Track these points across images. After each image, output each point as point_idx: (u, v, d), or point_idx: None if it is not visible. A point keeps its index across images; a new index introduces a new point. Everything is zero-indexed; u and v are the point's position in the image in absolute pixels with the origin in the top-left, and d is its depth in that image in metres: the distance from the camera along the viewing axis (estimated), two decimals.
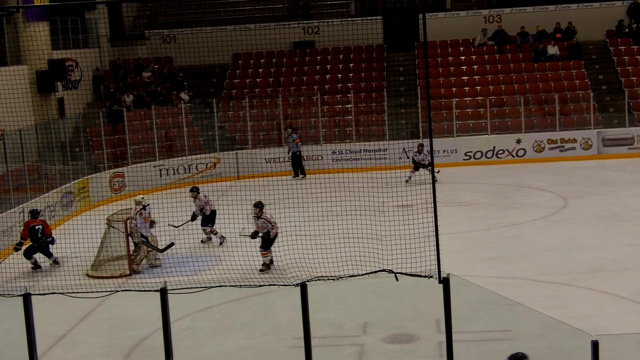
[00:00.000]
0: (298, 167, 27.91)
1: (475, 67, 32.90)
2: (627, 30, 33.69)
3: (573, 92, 31.09)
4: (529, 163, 28.43)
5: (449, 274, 9.40)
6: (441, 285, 9.40)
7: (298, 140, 27.93)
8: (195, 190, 19.28)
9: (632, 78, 31.69)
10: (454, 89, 31.84)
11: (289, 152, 28.17)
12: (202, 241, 18.97)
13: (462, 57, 33.43)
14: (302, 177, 27.38)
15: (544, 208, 21.44)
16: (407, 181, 24.35)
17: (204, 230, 19.10)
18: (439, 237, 9.69)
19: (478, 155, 29.13)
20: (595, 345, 7.99)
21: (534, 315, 12.83)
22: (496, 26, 33.83)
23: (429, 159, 23.54)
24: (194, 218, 18.97)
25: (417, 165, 24.76)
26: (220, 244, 18.43)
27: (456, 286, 9.96)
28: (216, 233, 18.76)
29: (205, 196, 19.21)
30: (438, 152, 27.93)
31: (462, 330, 11.34)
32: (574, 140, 29.07)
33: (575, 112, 30.26)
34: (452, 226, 18.61)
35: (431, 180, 9.84)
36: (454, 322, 9.46)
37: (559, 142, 29.13)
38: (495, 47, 33.56)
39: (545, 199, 22.64)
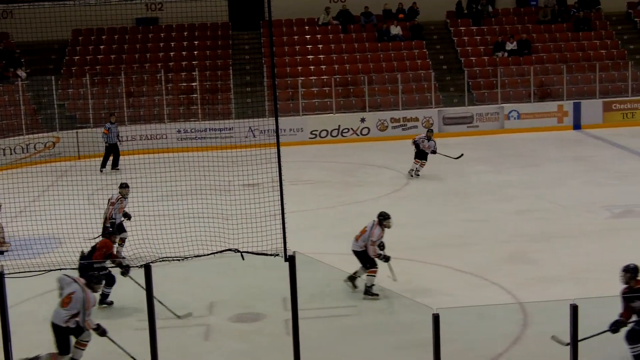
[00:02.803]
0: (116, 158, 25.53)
1: (320, 46, 33.08)
2: (466, 11, 34.59)
3: (415, 71, 31.72)
4: (373, 141, 28.87)
5: (294, 252, 9.38)
6: (287, 263, 9.38)
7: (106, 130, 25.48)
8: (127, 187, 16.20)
9: (472, 58, 32.59)
10: (299, 68, 31.93)
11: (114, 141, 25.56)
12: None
13: (308, 36, 33.57)
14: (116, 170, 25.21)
15: (388, 185, 21.80)
16: (414, 175, 22.59)
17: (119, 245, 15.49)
18: (285, 216, 9.65)
19: (324, 134, 29.35)
20: (436, 319, 8.14)
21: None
22: (340, 5, 34.08)
23: (436, 147, 22.52)
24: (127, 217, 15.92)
25: (421, 154, 22.54)
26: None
27: (302, 264, 9.95)
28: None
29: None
30: (284, 130, 27.93)
31: (308, 308, 11.36)
32: (416, 119, 29.68)
33: (417, 92, 30.90)
34: (298, 204, 18.65)
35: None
36: (300, 299, 9.46)
37: (401, 120, 29.68)
38: (340, 27, 33.83)
39: (389, 177, 23.03)
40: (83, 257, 12.58)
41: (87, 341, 10.51)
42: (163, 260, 10.69)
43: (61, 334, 10.32)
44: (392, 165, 24.50)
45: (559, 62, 32.02)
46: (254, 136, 25.71)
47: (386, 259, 13.21)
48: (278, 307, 12.37)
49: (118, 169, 24.88)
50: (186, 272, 14.20)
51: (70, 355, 10.46)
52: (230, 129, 27.64)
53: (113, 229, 14.62)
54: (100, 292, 12.30)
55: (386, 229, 13.44)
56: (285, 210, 9.66)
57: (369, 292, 12.98)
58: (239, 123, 26.77)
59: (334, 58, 32.60)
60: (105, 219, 15.46)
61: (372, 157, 26.06)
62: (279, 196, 9.64)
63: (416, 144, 22.55)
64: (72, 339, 10.44)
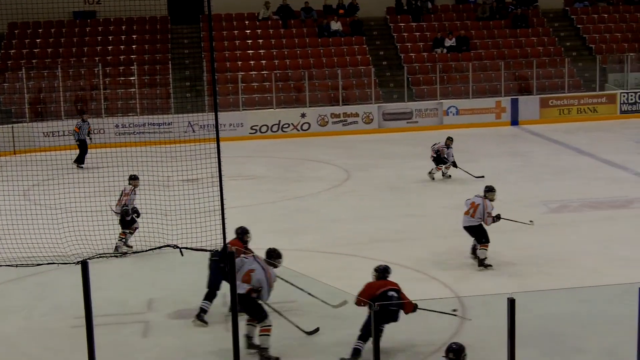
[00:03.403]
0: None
1: (261, 41, 33.00)
2: (406, 7, 34.78)
3: (355, 67, 31.82)
4: (314, 137, 28.89)
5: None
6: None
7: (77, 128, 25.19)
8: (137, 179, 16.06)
9: (411, 54, 32.79)
10: (239, 63, 31.82)
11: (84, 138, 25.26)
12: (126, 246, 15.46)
13: (248, 31, 33.46)
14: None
15: (328, 181, 21.83)
16: (445, 176, 21.70)
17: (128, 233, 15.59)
18: (225, 211, 9.59)
19: (264, 129, 29.29)
20: (376, 314, 8.16)
21: (320, 286, 12.99)
22: (280, 0, 34.02)
23: (453, 157, 21.50)
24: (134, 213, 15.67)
25: (440, 160, 21.50)
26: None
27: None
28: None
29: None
30: (224, 126, 27.83)
31: None
32: (356, 115, 29.77)
33: (357, 87, 30.99)
34: (238, 200, 18.56)
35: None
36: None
37: (341, 116, 29.75)
38: (280, 22, 33.77)
39: (329, 172, 23.06)
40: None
41: (270, 326, 10.65)
42: (101, 257, 10.56)
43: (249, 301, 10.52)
44: (333, 161, 24.54)
45: (497, 59, 32.38)
46: (194, 131, 25.49)
47: (498, 218, 14.44)
48: (217, 303, 12.30)
49: (82, 167, 24.44)
50: (124, 268, 14.06)
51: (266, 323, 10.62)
52: (169, 124, 27.37)
53: (131, 215, 15.23)
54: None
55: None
56: (225, 206, 9.60)
57: (482, 264, 13.97)
58: (178, 118, 26.52)
59: (274, 53, 32.55)
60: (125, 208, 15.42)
61: (313, 153, 26.08)
62: (219, 192, 9.57)
63: (437, 153, 21.45)
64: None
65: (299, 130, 29.47)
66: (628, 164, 22.20)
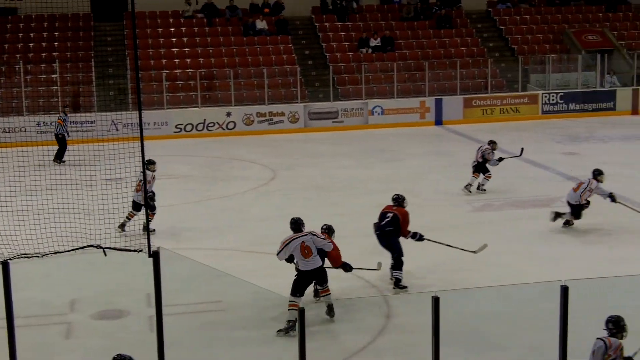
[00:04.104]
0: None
1: (185, 39, 32.78)
2: (331, 7, 34.89)
3: (281, 66, 31.81)
4: (239, 136, 28.79)
5: (159, 248, 9.23)
6: (151, 259, 9.22)
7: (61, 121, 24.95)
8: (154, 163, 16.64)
9: (337, 54, 32.90)
10: (164, 61, 31.55)
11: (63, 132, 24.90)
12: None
13: (172, 29, 33.21)
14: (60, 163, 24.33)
15: (254, 180, 21.77)
16: (480, 190, 19.66)
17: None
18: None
19: (189, 127, 29.08)
20: (302, 313, 8.15)
21: (245, 286, 12.95)
22: None
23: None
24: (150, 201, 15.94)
25: (481, 167, 19.61)
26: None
27: (167, 259, 9.80)
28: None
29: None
30: (148, 124, 27.56)
31: (172, 304, 11.22)
32: (282, 114, 29.75)
33: (283, 87, 30.97)
34: (164, 199, 18.36)
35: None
36: (164, 295, 9.31)
37: (267, 115, 29.69)
38: (205, 20, 33.58)
39: (255, 171, 23.00)
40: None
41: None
42: (22, 257, 10.34)
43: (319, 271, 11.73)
44: (259, 160, 24.49)
45: (421, 59, 32.69)
46: (117, 130, 25.16)
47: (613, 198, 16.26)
48: (142, 304, 12.18)
49: (63, 162, 23.73)
50: (46, 269, 13.79)
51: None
52: (92, 122, 26.99)
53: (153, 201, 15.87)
54: None
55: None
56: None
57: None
58: (102, 116, 26.18)
59: (199, 51, 32.35)
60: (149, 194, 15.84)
61: (239, 152, 25.98)
62: (143, 191, 9.46)
63: (484, 157, 19.60)
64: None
65: (224, 129, 29.32)
66: (549, 163, 22.60)
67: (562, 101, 31.78)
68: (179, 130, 29.00)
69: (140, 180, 15.60)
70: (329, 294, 11.71)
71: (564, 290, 7.95)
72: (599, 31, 35.39)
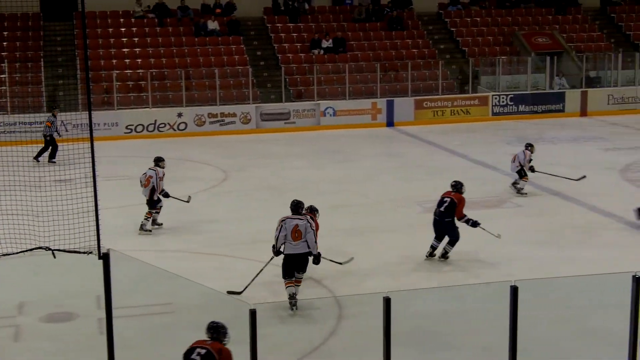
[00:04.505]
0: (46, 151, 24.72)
1: (136, 39, 32.54)
2: (283, 8, 34.87)
3: (232, 67, 31.71)
4: (191, 137, 28.64)
5: (109, 250, 9.15)
6: (101, 261, 9.14)
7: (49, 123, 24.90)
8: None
9: (289, 55, 32.89)
10: (114, 61, 31.29)
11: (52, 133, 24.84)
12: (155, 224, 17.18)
13: (123, 29, 32.95)
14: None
15: (206, 181, 21.68)
16: (524, 193, 19.44)
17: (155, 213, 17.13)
18: (99, 212, 9.40)
19: (139, 128, 28.86)
20: (253, 314, 8.12)
21: (196, 287, 12.89)
22: None
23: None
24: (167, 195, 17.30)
25: (523, 172, 19.39)
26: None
27: (117, 261, 9.72)
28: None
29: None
30: (98, 125, 27.30)
31: (123, 306, 11.11)
32: (234, 115, 29.66)
33: (235, 87, 30.88)
34: (113, 201, 18.21)
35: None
36: (114, 297, 9.24)
37: (219, 116, 29.58)
38: (156, 20, 33.37)
39: (207, 172, 22.91)
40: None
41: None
42: None
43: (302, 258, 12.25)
44: (210, 161, 24.39)
45: (373, 61, 32.79)
46: (66, 130, 24.87)
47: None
48: (92, 306, 12.06)
49: (54, 161, 23.86)
50: None
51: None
52: (41, 123, 26.66)
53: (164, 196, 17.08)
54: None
55: None
56: (99, 207, 9.40)
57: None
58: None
59: (150, 52, 32.13)
60: (156, 191, 16.92)
61: (190, 153, 25.84)
62: (93, 192, 9.37)
63: (521, 164, 19.43)
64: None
65: (175, 130, 29.15)
66: (499, 164, 22.79)
67: (512, 103, 32.09)
68: (129, 131, 28.78)
69: (150, 177, 16.96)
70: (300, 285, 12.21)
71: (514, 291, 8.03)
72: (548, 34, 35.80)
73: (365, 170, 22.57)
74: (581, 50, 34.97)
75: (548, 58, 33.23)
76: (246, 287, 12.71)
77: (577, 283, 12.52)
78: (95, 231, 9.28)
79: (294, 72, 32.21)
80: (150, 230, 16.92)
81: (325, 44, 33.18)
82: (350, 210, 18.34)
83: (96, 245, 9.24)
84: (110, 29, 32.83)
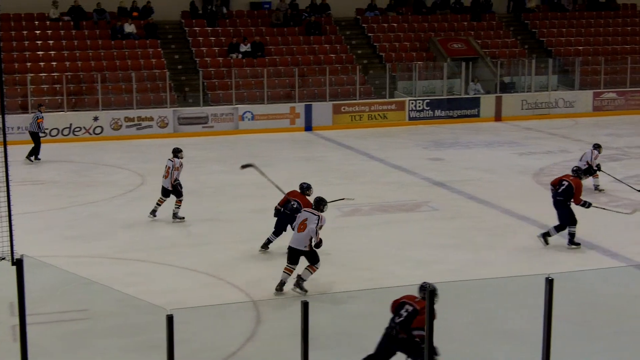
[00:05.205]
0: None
1: (51, 42, 32.06)
2: (201, 11, 34.74)
3: (150, 70, 31.45)
4: (107, 141, 28.29)
5: (22, 255, 8.99)
6: (14, 267, 8.97)
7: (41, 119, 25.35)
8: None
9: (207, 59, 32.77)
10: (28, 64, 30.78)
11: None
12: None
13: (37, 32, 32.40)
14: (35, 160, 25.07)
15: (122, 186, 21.45)
16: (601, 189, 20.11)
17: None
18: (12, 217, 9.24)
19: (54, 132, 28.38)
20: (170, 320, 8.07)
21: (111, 293, 12.75)
22: (72, 1, 33.13)
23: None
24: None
25: (592, 170, 19.88)
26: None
27: (31, 267, 9.55)
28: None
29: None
30: (12, 129, 26.80)
31: (37, 313, 10.94)
32: (151, 119, 29.40)
33: (152, 91, 30.63)
34: (27, 206, 17.93)
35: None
36: (28, 304, 9.07)
37: (136, 120, 29.29)
38: (72, 23, 32.91)
39: (123, 177, 22.67)
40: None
41: (317, 268, 13.00)
42: None
43: (296, 255, 12.97)
44: (127, 165, 24.13)
45: (291, 65, 32.87)
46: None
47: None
48: (4, 313, 11.82)
49: (39, 159, 24.84)
50: None
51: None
52: None
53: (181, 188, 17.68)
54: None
55: None
56: (12, 212, 9.25)
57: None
58: None
59: (66, 55, 31.65)
60: (172, 181, 17.57)
61: (106, 157, 25.53)
62: (6, 197, 9.21)
63: (589, 162, 19.86)
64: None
65: (91, 134, 28.76)
66: (416, 169, 23.06)
67: (428, 108, 32.49)
68: (44, 135, 28.18)
69: (169, 167, 17.54)
70: (290, 274, 12.97)
71: (430, 293, 8.12)
72: (463, 40, 36.36)
73: (284, 175, 22.55)
74: (496, 56, 35.63)
75: (463, 64, 33.76)
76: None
77: (492, 285, 12.74)
78: (9, 237, 9.13)
79: (212, 76, 32.08)
80: (184, 218, 17.60)
81: (244, 48, 33.15)
82: (270, 215, 18.30)
83: (9, 251, 9.08)
84: (25, 32, 32.25)
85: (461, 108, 32.91)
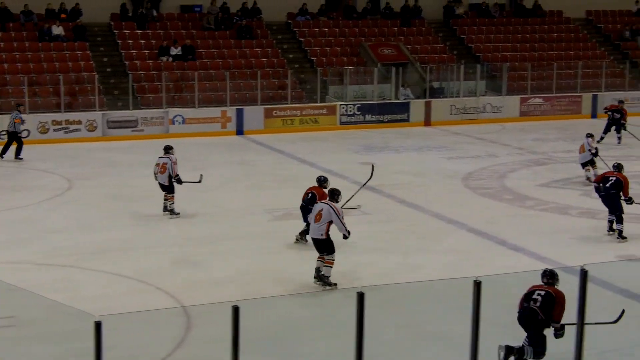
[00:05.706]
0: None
1: None
2: (131, 14, 34.42)
3: (78, 73, 31.08)
4: (34, 144, 27.80)
5: None
6: None
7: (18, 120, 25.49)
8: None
9: (136, 62, 32.49)
10: None
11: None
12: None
13: None
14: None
15: (50, 190, 21.13)
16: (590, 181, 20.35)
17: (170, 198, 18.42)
18: None
19: None
20: (98, 326, 7.98)
21: (39, 300, 12.56)
22: None
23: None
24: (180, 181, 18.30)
25: (593, 160, 21.22)
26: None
27: None
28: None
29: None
30: None
31: None
32: (79, 122, 29.03)
33: (81, 94, 30.24)
34: None
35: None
36: None
37: (64, 123, 28.89)
38: None
39: (51, 181, 22.33)
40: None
41: (333, 260, 13.32)
42: None
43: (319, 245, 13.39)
44: (54, 169, 23.77)
45: (222, 69, 32.76)
46: None
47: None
48: None
49: (21, 159, 25.26)
50: None
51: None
52: None
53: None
54: None
55: None
56: None
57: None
58: None
59: None
60: (174, 176, 18.09)
61: (33, 161, 25.12)
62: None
63: (595, 149, 21.28)
64: None
65: None
66: (347, 173, 23.15)
67: (359, 112, 32.66)
68: (26, 135, 27.67)
69: (165, 163, 18.05)
70: (323, 261, 13.35)
71: (360, 297, 8.16)
72: (394, 45, 36.65)
73: (215, 179, 22.48)
74: (425, 62, 35.97)
75: (393, 69, 34.02)
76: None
77: (421, 288, 12.85)
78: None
79: (142, 79, 31.81)
80: (179, 213, 18.08)
81: (174, 51, 32.93)
82: (201, 219, 18.26)
83: None
84: None
85: (391, 113, 33.16)
